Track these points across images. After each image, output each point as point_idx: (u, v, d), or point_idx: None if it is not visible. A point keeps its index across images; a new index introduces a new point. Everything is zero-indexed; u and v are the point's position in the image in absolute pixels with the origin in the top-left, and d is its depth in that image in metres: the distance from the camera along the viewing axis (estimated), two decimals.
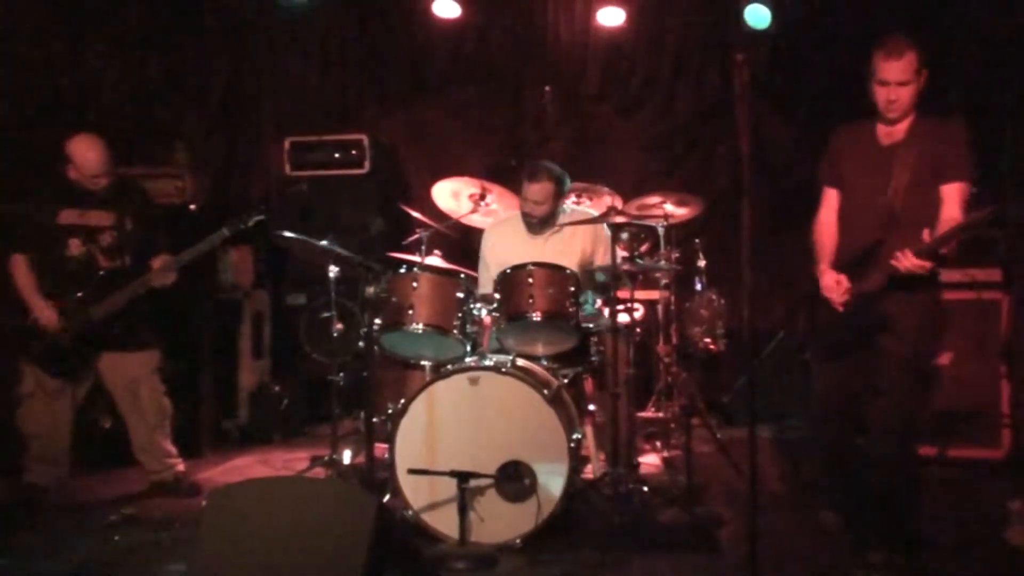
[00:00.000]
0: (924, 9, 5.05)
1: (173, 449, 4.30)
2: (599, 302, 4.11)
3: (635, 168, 6.00)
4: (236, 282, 5.46)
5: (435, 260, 4.77)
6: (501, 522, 3.38)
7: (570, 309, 3.70)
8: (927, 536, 3.30)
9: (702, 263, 5.32)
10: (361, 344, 4.09)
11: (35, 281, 4.01)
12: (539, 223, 4.19)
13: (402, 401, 3.56)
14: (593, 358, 3.94)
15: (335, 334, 4.47)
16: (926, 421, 4.04)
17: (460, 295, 3.75)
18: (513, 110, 6.20)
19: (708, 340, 5.17)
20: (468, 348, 3.76)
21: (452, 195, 5.01)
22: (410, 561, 2.87)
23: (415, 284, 3.69)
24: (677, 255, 5.04)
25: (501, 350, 3.79)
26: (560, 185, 4.13)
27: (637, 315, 4.67)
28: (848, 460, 3.45)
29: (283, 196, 5.82)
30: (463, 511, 3.29)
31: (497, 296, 3.77)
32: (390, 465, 3.49)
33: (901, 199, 3.16)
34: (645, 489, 3.83)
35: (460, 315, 3.72)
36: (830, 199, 3.43)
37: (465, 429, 3.45)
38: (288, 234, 3.96)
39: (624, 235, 5.09)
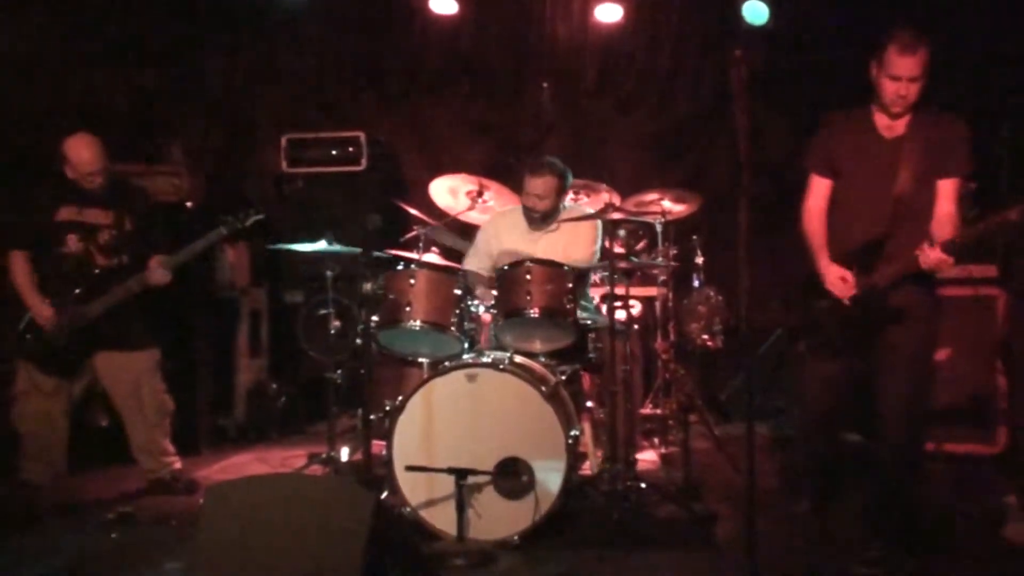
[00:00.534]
0: (924, 7, 5.04)
1: (171, 447, 4.29)
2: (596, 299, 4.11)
3: (633, 164, 5.99)
4: (233, 280, 5.46)
5: (432, 257, 4.76)
6: (499, 519, 3.38)
7: (568, 306, 3.69)
8: (929, 531, 3.30)
9: (700, 260, 5.33)
10: (358, 341, 4.09)
11: (32, 278, 4.00)
12: (541, 218, 4.19)
13: (400, 398, 3.56)
14: (591, 355, 3.94)
15: (332, 331, 4.47)
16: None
17: (457, 292, 3.74)
18: (510, 107, 6.19)
19: (706, 337, 5.17)
20: (466, 345, 3.76)
21: (450, 192, 5.00)
22: (408, 558, 2.86)
23: (412, 281, 3.69)
24: (675, 252, 5.04)
25: (499, 347, 3.79)
26: (563, 180, 4.13)
27: (634, 311, 4.67)
28: (830, 460, 3.45)
29: (280, 193, 5.81)
30: (461, 508, 3.29)
31: (494, 293, 3.77)
32: (388, 462, 3.49)
33: (909, 193, 3.14)
34: (643, 485, 3.82)
35: (458, 312, 3.72)
36: (819, 187, 3.37)
37: (463, 426, 3.45)
38: (284, 246, 3.96)
39: (622, 232, 5.10)
